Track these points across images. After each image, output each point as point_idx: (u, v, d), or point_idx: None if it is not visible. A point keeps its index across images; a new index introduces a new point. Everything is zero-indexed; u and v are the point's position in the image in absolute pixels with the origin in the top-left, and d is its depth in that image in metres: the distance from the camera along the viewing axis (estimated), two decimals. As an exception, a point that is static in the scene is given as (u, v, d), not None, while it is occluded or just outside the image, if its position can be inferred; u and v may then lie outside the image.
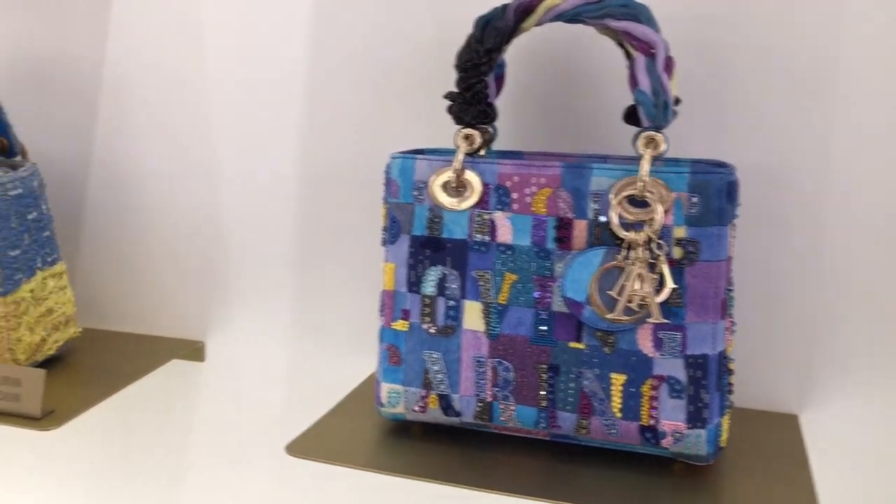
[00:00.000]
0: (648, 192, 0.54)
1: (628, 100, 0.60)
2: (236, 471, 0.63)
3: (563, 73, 0.71)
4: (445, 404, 0.60)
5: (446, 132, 0.70)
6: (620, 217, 0.55)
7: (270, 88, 0.77)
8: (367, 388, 0.73)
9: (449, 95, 0.60)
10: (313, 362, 0.81)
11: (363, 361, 0.79)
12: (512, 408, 0.59)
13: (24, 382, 0.66)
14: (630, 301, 0.55)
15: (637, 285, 0.55)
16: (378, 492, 0.57)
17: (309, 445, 0.62)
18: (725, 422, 0.57)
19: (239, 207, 0.80)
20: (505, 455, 0.61)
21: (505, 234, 0.58)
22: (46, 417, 0.66)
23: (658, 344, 0.56)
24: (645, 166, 0.54)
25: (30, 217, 0.73)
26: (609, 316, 0.55)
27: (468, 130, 0.59)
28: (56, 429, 0.65)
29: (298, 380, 0.82)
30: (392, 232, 0.61)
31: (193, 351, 0.82)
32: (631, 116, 0.61)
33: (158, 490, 0.60)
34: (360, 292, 0.78)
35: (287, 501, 0.58)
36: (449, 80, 0.60)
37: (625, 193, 0.55)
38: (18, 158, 0.77)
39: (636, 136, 0.59)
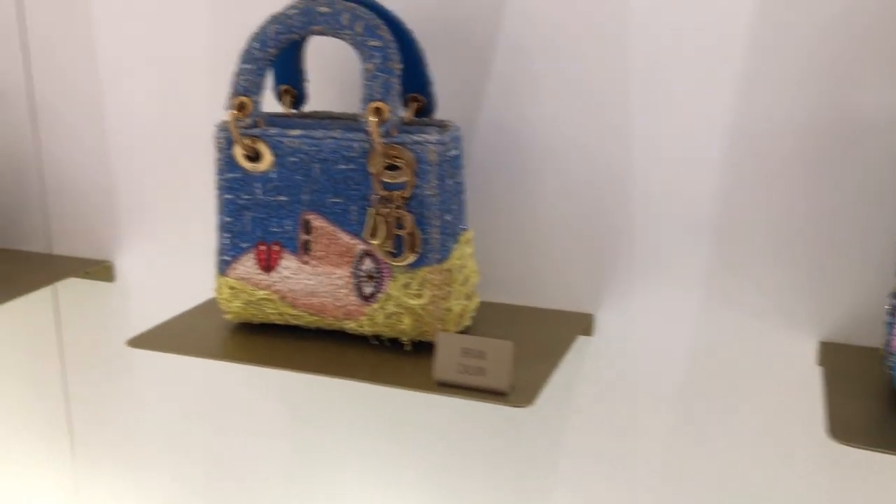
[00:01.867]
0: None
1: None
2: (626, 453, 0.59)
3: None
4: None
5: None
6: None
7: (703, 36, 0.69)
8: (846, 365, 0.66)
9: None
10: (727, 340, 0.74)
11: (793, 339, 0.72)
12: None
13: (489, 355, 0.62)
14: None
15: None
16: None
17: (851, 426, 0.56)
18: None
19: (650, 171, 0.73)
20: None
21: None
22: (513, 393, 0.62)
23: None
24: None
25: (457, 180, 0.69)
26: None
27: None
28: (528, 406, 0.61)
29: (705, 357, 0.76)
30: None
31: (583, 325, 0.77)
32: None
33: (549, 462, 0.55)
34: (793, 265, 0.71)
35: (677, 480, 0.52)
36: None
37: None
38: (430, 118, 0.73)
39: None
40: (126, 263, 0.96)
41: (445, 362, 0.63)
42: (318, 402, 0.93)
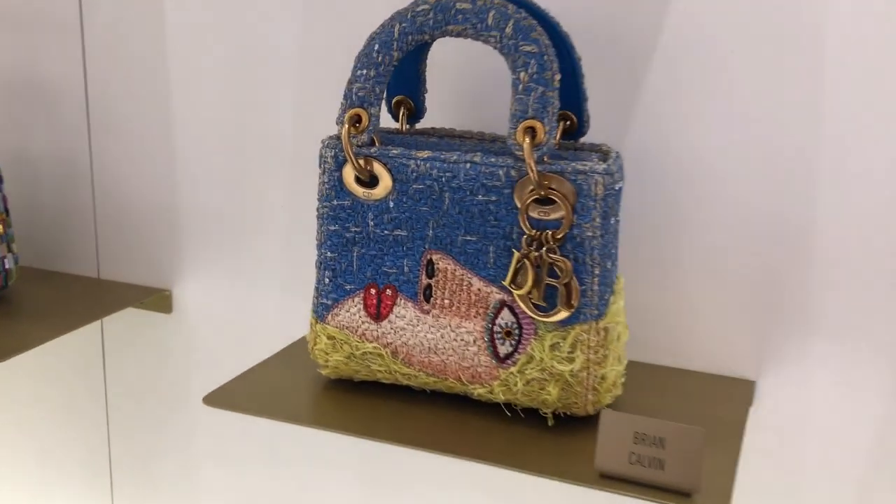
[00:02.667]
0: None
1: None
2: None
3: None
4: None
5: None
6: None
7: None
8: None
9: None
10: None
11: None
12: None
13: (671, 443, 0.49)
14: None
15: None
16: None
17: None
18: None
19: (837, 216, 0.60)
20: None
21: None
22: (701, 494, 0.49)
23: None
24: None
25: (617, 218, 0.56)
26: None
27: None
28: (724, 511, 0.48)
29: (894, 440, 0.63)
30: None
31: (742, 394, 0.65)
32: None
33: None
34: None
35: None
36: None
37: None
38: (577, 142, 0.60)
39: None
40: (185, 293, 0.85)
41: (611, 449, 0.50)
42: (395, 455, 0.81)
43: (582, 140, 0.60)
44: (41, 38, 0.84)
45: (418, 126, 0.65)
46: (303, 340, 0.71)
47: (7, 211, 0.80)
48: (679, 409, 0.60)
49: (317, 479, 0.85)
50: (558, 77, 0.53)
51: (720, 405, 0.61)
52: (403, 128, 0.63)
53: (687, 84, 0.62)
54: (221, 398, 0.60)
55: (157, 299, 0.85)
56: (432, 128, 0.64)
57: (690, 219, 0.64)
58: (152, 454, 0.92)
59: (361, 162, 0.57)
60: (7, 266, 0.79)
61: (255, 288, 0.81)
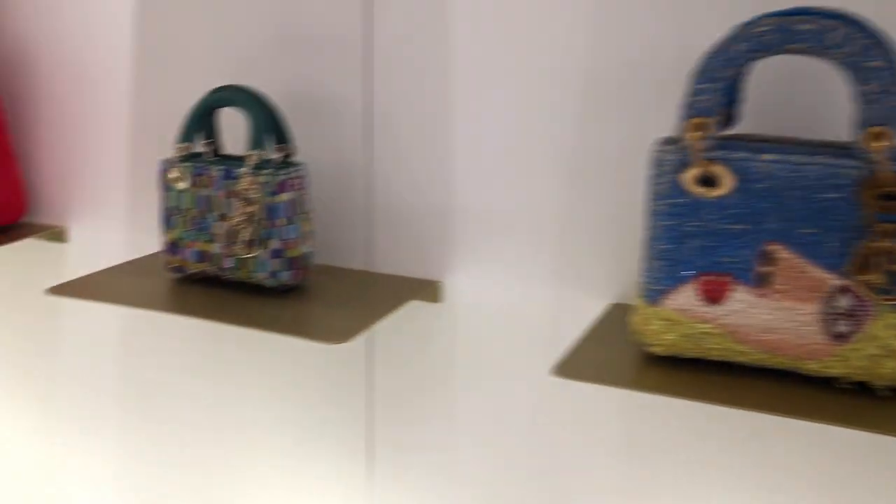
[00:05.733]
0: None
1: None
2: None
3: None
4: None
5: None
6: None
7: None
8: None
9: None
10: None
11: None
12: None
13: None
14: None
15: None
16: None
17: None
18: None
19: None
20: None
21: None
22: None
23: None
24: None
25: None
26: None
27: None
28: None
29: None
30: None
31: None
32: None
33: None
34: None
35: None
36: None
37: None
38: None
39: None
40: (456, 284, 0.93)
41: (965, 414, 0.57)
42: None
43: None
44: (324, 54, 0.95)
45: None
46: (603, 321, 0.80)
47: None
48: None
49: (578, 476, 0.93)
50: (902, 89, 0.60)
51: None
52: (719, 134, 0.70)
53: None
54: (568, 369, 0.69)
55: (431, 290, 0.94)
56: (738, 133, 0.72)
57: None
58: (414, 439, 1.01)
59: (706, 164, 0.64)
60: (311, 259, 0.90)
61: (526, 278, 0.90)
